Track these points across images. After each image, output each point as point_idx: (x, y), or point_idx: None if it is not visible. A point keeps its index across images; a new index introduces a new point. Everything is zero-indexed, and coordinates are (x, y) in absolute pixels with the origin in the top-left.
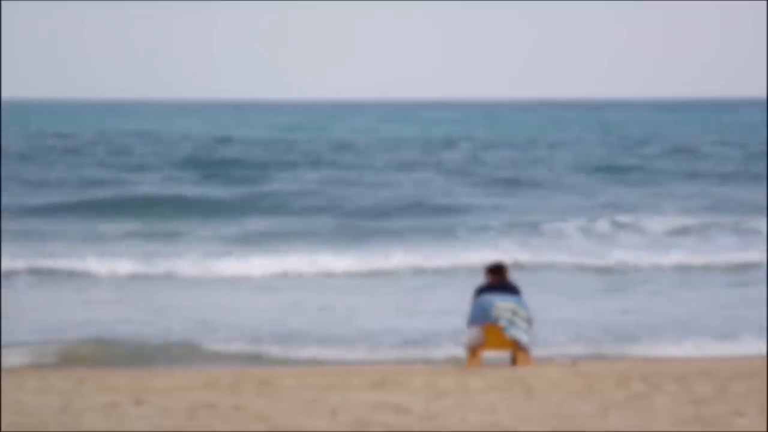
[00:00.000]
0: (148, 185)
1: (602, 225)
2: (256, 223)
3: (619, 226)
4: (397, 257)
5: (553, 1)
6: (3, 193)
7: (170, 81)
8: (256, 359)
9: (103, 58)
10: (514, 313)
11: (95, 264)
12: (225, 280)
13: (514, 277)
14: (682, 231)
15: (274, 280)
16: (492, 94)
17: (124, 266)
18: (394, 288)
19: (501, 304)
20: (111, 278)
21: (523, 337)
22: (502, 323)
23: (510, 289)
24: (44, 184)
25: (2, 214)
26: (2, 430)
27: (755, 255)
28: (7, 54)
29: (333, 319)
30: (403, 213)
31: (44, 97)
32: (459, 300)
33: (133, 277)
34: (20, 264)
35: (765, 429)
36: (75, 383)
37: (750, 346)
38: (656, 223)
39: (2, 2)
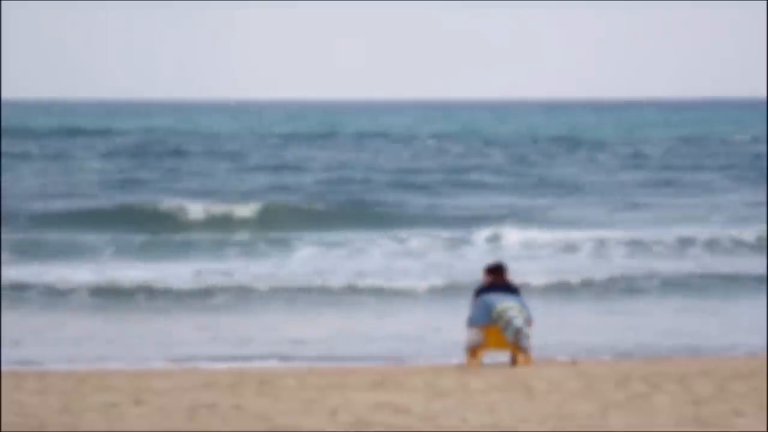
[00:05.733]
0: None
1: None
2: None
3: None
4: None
5: (553, 1)
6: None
7: (171, 82)
8: None
9: (102, 59)
10: (515, 312)
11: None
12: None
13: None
14: None
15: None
16: (475, 95)
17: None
18: None
19: (501, 305)
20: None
21: (524, 341)
22: (501, 325)
23: (510, 289)
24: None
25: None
26: (2, 430)
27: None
28: (7, 54)
29: None
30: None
31: (44, 97)
32: None
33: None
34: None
35: (765, 429)
36: (75, 383)
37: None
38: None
39: (2, 2)
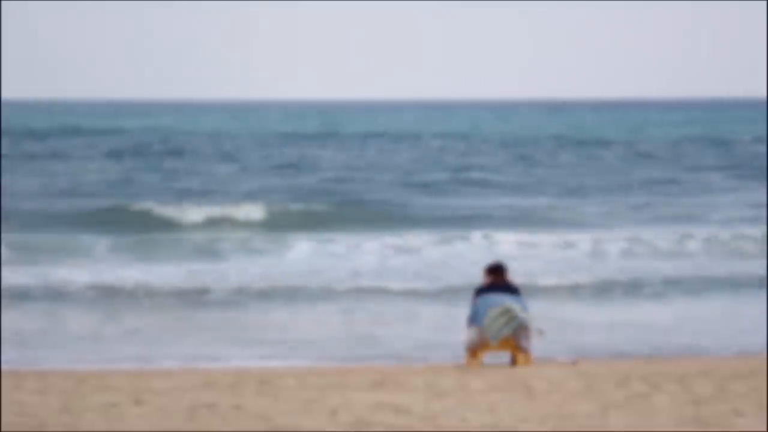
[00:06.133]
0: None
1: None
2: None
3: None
4: None
5: (554, 0)
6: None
7: (171, 82)
8: None
9: (102, 59)
10: (517, 312)
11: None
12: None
13: None
14: None
15: None
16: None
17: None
18: None
19: (502, 305)
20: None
21: (524, 340)
22: (502, 322)
23: (510, 289)
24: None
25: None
26: (2, 430)
27: None
28: (7, 54)
29: None
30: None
31: (44, 97)
32: None
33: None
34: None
35: (765, 429)
36: (75, 383)
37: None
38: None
39: (2, 2)
